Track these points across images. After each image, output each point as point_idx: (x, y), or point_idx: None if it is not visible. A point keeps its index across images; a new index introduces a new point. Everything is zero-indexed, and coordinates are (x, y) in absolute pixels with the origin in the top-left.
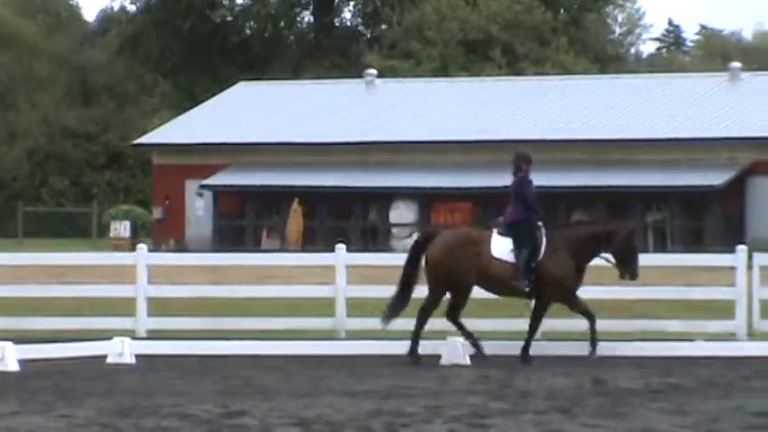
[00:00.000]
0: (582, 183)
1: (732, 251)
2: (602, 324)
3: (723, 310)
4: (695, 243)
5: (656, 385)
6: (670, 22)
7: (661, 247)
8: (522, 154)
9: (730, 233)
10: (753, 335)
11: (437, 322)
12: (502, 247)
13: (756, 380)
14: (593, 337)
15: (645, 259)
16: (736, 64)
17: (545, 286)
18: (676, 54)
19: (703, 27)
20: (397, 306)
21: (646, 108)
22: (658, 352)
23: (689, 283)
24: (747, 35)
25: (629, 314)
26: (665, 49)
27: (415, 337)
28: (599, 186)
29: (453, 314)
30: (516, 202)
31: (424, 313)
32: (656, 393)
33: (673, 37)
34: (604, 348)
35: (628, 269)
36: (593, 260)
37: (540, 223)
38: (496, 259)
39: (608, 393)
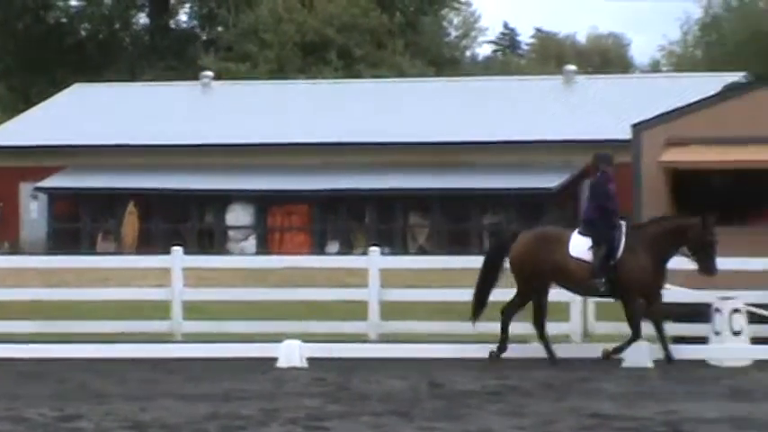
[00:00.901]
0: (419, 185)
1: None
2: (434, 326)
3: (557, 311)
4: None
5: (492, 387)
6: (505, 26)
7: None
8: (601, 155)
9: None
10: (588, 337)
11: (274, 324)
12: (580, 245)
13: (592, 381)
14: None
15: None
16: (571, 67)
17: (624, 286)
18: (512, 57)
19: (538, 30)
20: (479, 306)
21: (482, 110)
22: None
23: None
24: (582, 38)
25: (462, 317)
26: (500, 52)
27: (503, 336)
28: (436, 189)
29: (537, 318)
30: (592, 201)
31: (510, 312)
32: (493, 395)
33: (508, 40)
34: (440, 350)
35: (703, 265)
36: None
37: (620, 222)
38: (574, 258)
39: (445, 396)
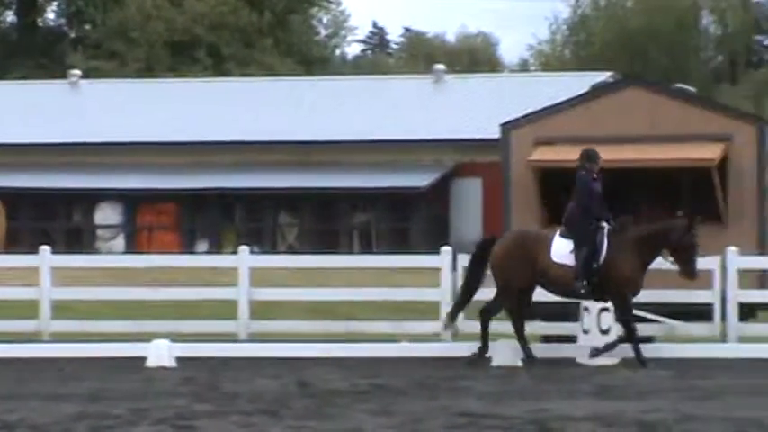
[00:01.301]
0: (287, 184)
1: (437, 252)
2: (303, 325)
3: (428, 311)
4: (401, 244)
5: (362, 386)
6: (374, 25)
7: (367, 249)
8: (585, 152)
9: (435, 234)
10: (458, 336)
11: (143, 324)
12: (562, 248)
13: (461, 380)
14: (612, 345)
15: (351, 261)
16: (440, 66)
17: (613, 287)
18: (381, 56)
19: (407, 30)
20: (456, 310)
21: (351, 110)
22: (365, 353)
23: (394, 284)
24: (451, 38)
25: (332, 315)
26: (370, 51)
27: (521, 339)
28: (305, 188)
29: (487, 315)
30: (576, 200)
31: (488, 314)
32: (363, 394)
33: (377, 39)
34: (310, 349)
35: (684, 268)
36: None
37: (603, 223)
38: (556, 262)
39: (314, 395)
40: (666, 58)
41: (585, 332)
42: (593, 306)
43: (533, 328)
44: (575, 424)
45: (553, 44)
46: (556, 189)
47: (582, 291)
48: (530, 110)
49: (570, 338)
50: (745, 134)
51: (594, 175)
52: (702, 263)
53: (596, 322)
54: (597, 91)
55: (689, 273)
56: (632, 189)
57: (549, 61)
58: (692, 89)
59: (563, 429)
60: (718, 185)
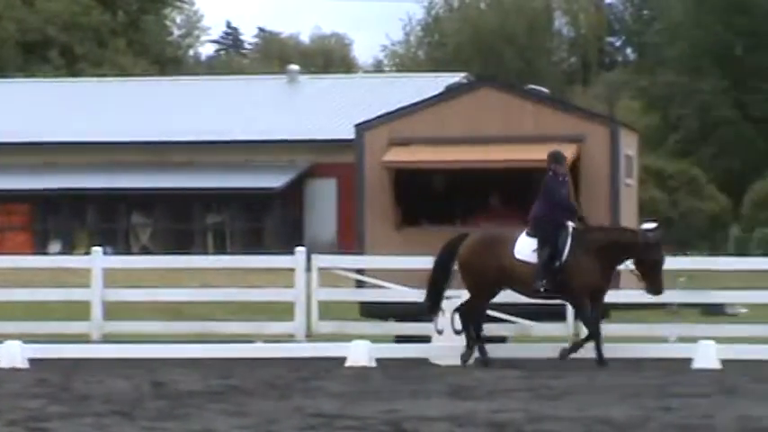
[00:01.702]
0: (142, 185)
1: (291, 253)
2: (157, 326)
3: (282, 311)
4: (255, 245)
5: (216, 387)
6: (228, 25)
7: (221, 249)
8: (551, 153)
9: (289, 235)
10: (312, 336)
11: None
12: (526, 247)
13: (315, 380)
14: (578, 345)
15: (205, 261)
16: (295, 66)
17: (572, 287)
18: (235, 56)
19: (261, 30)
20: (432, 308)
21: (206, 110)
22: (218, 353)
23: (249, 284)
24: (305, 38)
25: (186, 316)
26: (223, 52)
27: (476, 339)
28: (159, 188)
29: (472, 315)
30: (541, 200)
31: (468, 315)
32: (217, 395)
33: (231, 39)
34: (163, 350)
35: (650, 285)
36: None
37: (568, 223)
38: (519, 261)
39: (168, 396)
40: (520, 60)
41: (440, 332)
42: (448, 307)
43: (386, 329)
44: (428, 424)
45: (407, 45)
46: (409, 190)
47: (541, 290)
48: (384, 111)
49: (424, 339)
50: (598, 135)
51: (561, 177)
52: None
53: (451, 323)
54: (451, 92)
55: (654, 288)
56: (486, 189)
57: (403, 62)
58: (545, 90)
59: (417, 429)
60: (571, 186)
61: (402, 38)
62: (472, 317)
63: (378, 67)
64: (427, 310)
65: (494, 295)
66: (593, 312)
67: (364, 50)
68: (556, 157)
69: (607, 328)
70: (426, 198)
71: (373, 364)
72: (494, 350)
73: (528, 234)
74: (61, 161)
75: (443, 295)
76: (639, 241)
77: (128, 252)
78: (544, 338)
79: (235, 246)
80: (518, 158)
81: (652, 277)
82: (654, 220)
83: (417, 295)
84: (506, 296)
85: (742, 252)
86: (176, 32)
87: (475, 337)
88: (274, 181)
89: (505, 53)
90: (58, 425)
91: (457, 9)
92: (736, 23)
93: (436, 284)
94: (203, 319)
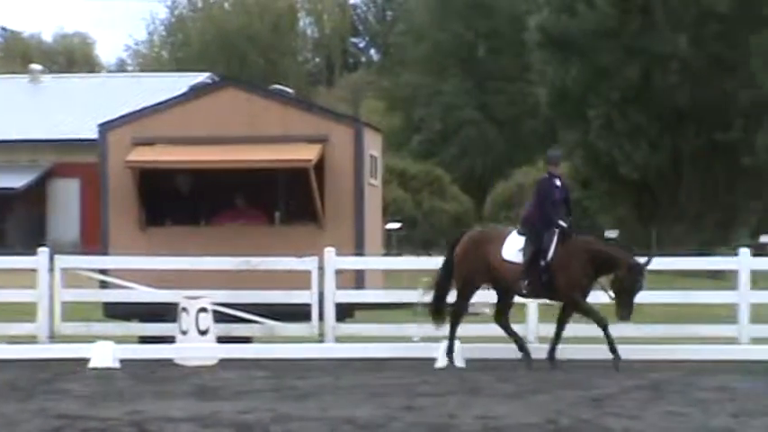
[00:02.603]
0: None
1: (34, 253)
2: None
3: (25, 312)
4: None
5: None
6: None
7: None
8: (549, 155)
9: (32, 235)
10: (55, 337)
11: None
12: (513, 247)
13: (58, 382)
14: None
15: None
16: (37, 66)
17: (562, 287)
18: None
19: (3, 29)
20: (437, 311)
21: None
22: None
23: None
24: (48, 37)
25: None
26: None
27: (451, 339)
28: None
29: (499, 317)
30: (533, 200)
31: (457, 315)
32: None
33: None
34: None
35: (621, 310)
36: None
37: (560, 223)
38: (505, 259)
39: None
40: (264, 60)
41: (184, 333)
42: (192, 306)
43: (130, 329)
44: (173, 425)
45: (151, 45)
46: (154, 190)
47: (524, 291)
48: (128, 110)
49: (168, 339)
50: (342, 135)
51: (557, 180)
52: (300, 264)
53: (195, 323)
54: (195, 92)
55: (625, 313)
56: (231, 189)
57: (147, 62)
58: (290, 91)
59: (161, 430)
60: (315, 186)
61: (146, 37)
62: (458, 317)
63: (121, 67)
64: (433, 314)
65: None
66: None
67: (108, 50)
68: (551, 159)
69: (352, 328)
70: (171, 198)
71: (117, 365)
72: (242, 351)
73: (519, 233)
74: None
75: (447, 297)
76: (629, 261)
77: None
78: (290, 339)
79: None
80: (263, 159)
81: (625, 301)
82: (398, 220)
83: (162, 296)
84: (252, 296)
85: None
86: None
87: (516, 339)
88: (16, 181)
89: (250, 53)
90: None
91: (201, 9)
92: (479, 25)
93: (439, 285)
94: None
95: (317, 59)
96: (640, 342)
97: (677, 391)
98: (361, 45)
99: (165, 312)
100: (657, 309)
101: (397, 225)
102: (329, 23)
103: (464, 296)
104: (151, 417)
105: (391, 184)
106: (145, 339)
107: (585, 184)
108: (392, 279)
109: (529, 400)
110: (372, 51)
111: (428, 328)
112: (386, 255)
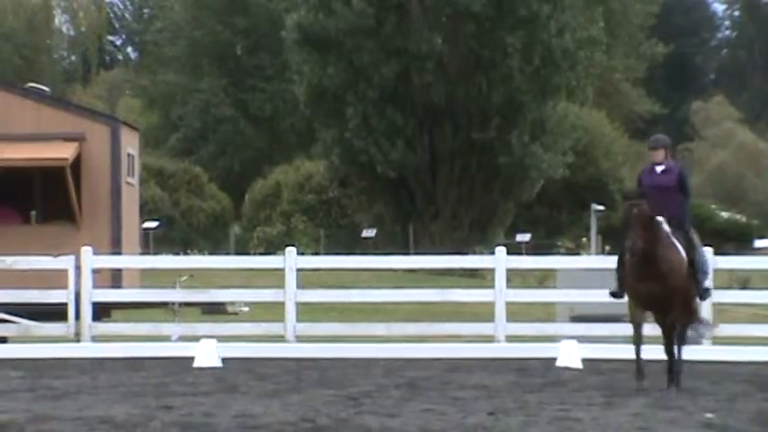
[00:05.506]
0: None
1: None
2: None
3: None
4: None
5: None
6: None
7: None
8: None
9: None
10: None
11: None
12: None
13: None
14: None
15: None
16: None
17: None
18: None
19: None
20: None
21: None
22: None
23: None
24: None
25: None
26: None
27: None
28: None
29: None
30: None
31: None
32: None
33: None
34: None
35: None
36: None
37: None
38: None
39: None
40: (19, 58)
41: None
42: None
43: None
44: None
45: None
46: None
47: None
48: None
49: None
50: (99, 133)
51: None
52: (57, 263)
53: None
54: None
55: None
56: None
57: None
58: (45, 89)
59: None
60: (71, 185)
61: None
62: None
63: None
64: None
65: None
66: None
67: None
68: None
69: (109, 328)
70: None
71: None
72: None
73: None
74: None
75: None
76: None
77: None
78: (46, 339)
79: None
80: (18, 157)
81: None
82: (156, 219)
83: None
84: (8, 296)
85: (243, 251)
86: None
87: None
88: None
89: (4, 51)
90: None
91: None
92: (236, 24)
93: None
94: None
95: (73, 57)
96: (393, 341)
97: (434, 388)
98: (118, 43)
99: None
100: (413, 307)
101: (154, 224)
102: (85, 21)
103: None
104: None
105: (149, 183)
106: None
107: (343, 182)
108: (149, 278)
109: (286, 399)
110: (129, 49)
111: (185, 327)
112: (143, 254)
